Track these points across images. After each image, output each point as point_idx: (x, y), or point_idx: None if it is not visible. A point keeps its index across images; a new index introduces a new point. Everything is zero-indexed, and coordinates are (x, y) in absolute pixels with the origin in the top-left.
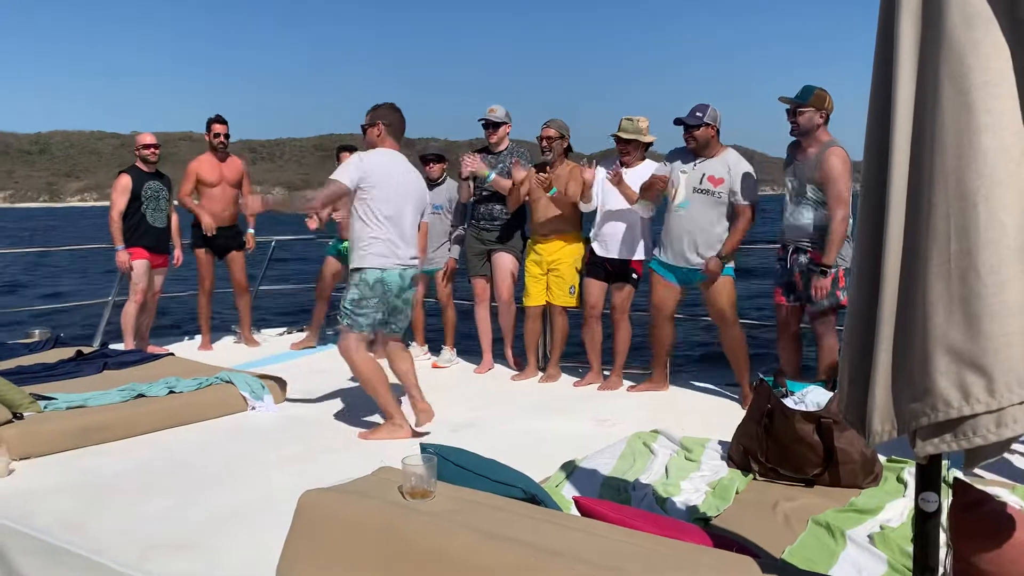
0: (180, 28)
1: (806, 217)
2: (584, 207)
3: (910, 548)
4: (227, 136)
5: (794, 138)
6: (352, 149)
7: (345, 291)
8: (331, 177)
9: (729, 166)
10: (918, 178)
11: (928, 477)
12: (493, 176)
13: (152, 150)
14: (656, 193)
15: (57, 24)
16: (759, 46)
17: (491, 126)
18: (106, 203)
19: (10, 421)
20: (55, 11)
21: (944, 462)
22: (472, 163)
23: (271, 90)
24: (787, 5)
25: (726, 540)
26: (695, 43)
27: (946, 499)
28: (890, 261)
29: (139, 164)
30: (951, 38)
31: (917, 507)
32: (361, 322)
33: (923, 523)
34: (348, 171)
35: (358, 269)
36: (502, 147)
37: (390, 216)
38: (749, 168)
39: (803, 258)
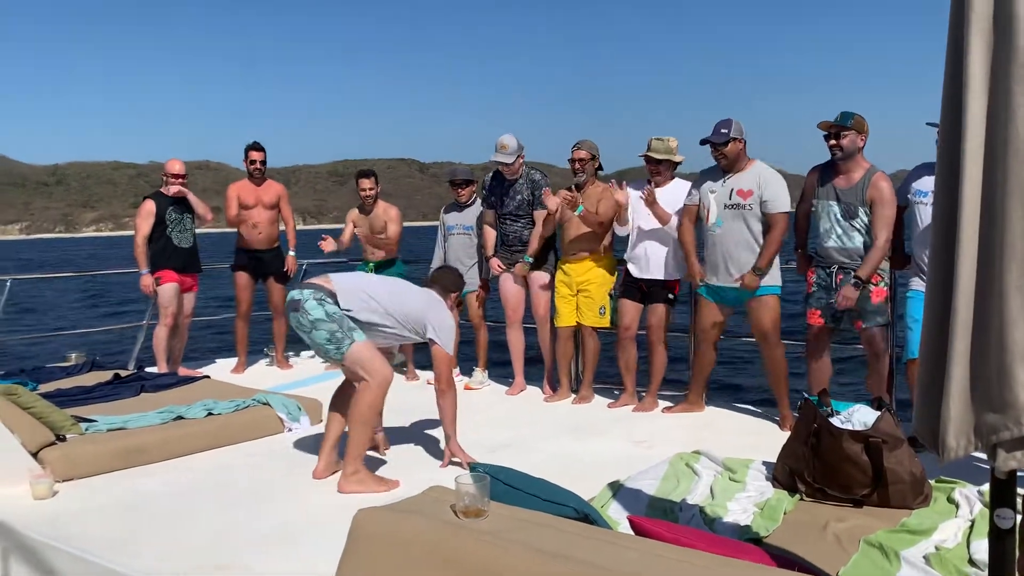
0: (195, 58)
1: (857, 240)
2: (619, 231)
3: (968, 569)
4: (263, 163)
5: (831, 160)
6: (371, 175)
7: None
8: None
9: (758, 177)
10: (991, 193)
11: (1004, 493)
12: (530, 259)
13: (180, 179)
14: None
15: (74, 56)
16: (774, 62)
17: (503, 164)
18: (121, 233)
19: (53, 443)
20: (71, 43)
21: None
22: (521, 271)
23: (285, 117)
24: (811, 18)
25: (786, 560)
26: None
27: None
28: (963, 276)
29: (163, 189)
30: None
31: (992, 524)
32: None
33: (998, 540)
34: None
35: None
36: (517, 175)
37: None
38: (779, 177)
39: (852, 280)
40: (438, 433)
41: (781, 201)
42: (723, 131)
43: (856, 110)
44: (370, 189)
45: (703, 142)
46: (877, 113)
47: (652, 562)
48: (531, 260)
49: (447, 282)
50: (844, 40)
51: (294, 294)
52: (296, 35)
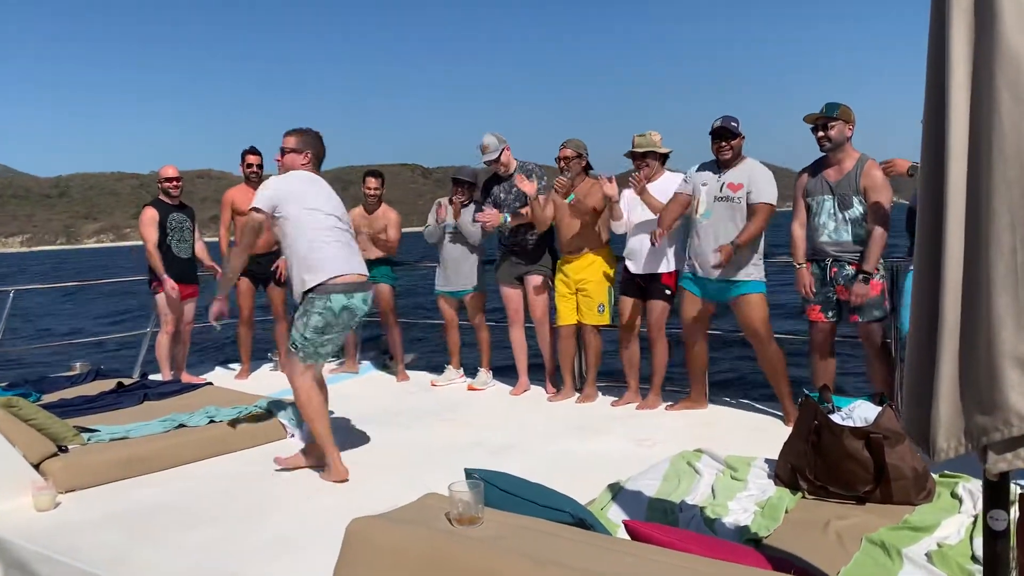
0: (196, 67)
1: (852, 232)
2: (615, 228)
3: (970, 566)
4: (260, 167)
5: (822, 154)
6: (378, 175)
7: (302, 317)
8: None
9: (748, 171)
10: (977, 190)
11: (997, 495)
12: (508, 219)
13: (175, 183)
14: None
15: (78, 66)
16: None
17: (491, 161)
18: (122, 243)
19: (55, 454)
20: (75, 54)
21: None
22: (488, 219)
23: (289, 124)
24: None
25: (784, 561)
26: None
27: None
28: (950, 275)
29: (162, 197)
30: (1006, 44)
31: (985, 525)
32: (323, 353)
33: (991, 542)
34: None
35: (316, 293)
36: (511, 170)
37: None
38: (768, 173)
39: (848, 270)
40: (434, 438)
41: (767, 193)
42: (734, 124)
43: (848, 103)
44: (375, 189)
45: (715, 131)
46: (879, 108)
47: (647, 567)
48: (508, 219)
49: None
50: (839, 35)
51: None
52: (298, 42)
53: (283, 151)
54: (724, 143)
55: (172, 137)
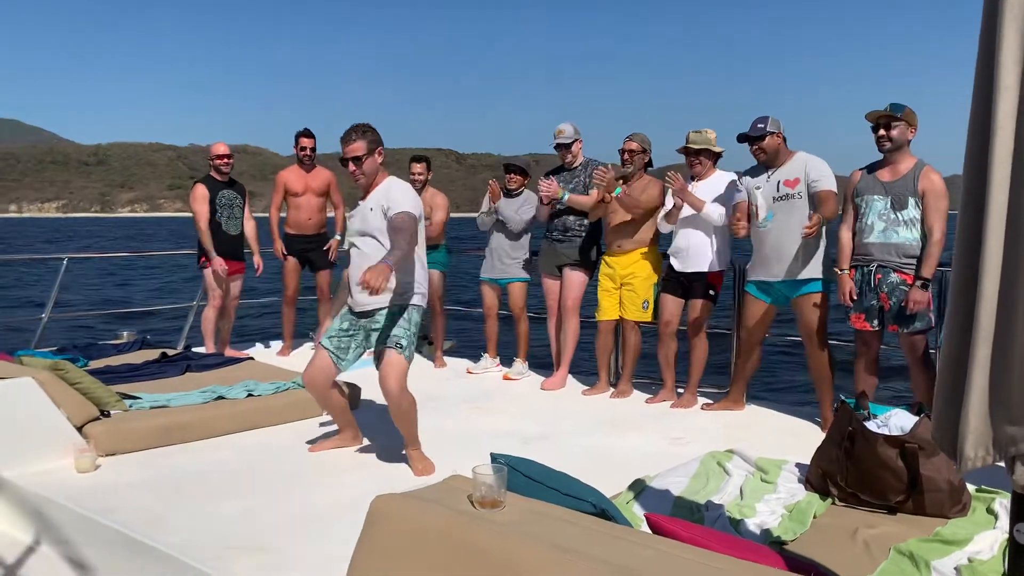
0: (238, 43)
1: (902, 235)
2: (663, 227)
3: None
4: (313, 149)
5: (877, 161)
6: (423, 160)
7: (408, 316)
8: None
9: (802, 165)
10: (1020, 195)
11: None
12: (568, 196)
13: (225, 160)
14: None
15: (122, 37)
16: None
17: (563, 147)
18: (156, 214)
19: (98, 418)
20: (118, 26)
21: None
22: (548, 188)
23: (325, 105)
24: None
25: (803, 564)
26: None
27: None
28: (987, 282)
29: (213, 174)
30: None
31: (1011, 539)
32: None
33: (1018, 557)
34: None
35: (416, 305)
36: (577, 163)
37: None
38: (822, 161)
39: (893, 277)
40: (466, 424)
41: (827, 179)
42: (760, 125)
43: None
44: (420, 174)
45: (740, 137)
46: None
47: (667, 561)
48: (567, 196)
49: None
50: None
51: None
52: (335, 23)
53: (359, 160)
54: (753, 146)
55: (210, 111)
